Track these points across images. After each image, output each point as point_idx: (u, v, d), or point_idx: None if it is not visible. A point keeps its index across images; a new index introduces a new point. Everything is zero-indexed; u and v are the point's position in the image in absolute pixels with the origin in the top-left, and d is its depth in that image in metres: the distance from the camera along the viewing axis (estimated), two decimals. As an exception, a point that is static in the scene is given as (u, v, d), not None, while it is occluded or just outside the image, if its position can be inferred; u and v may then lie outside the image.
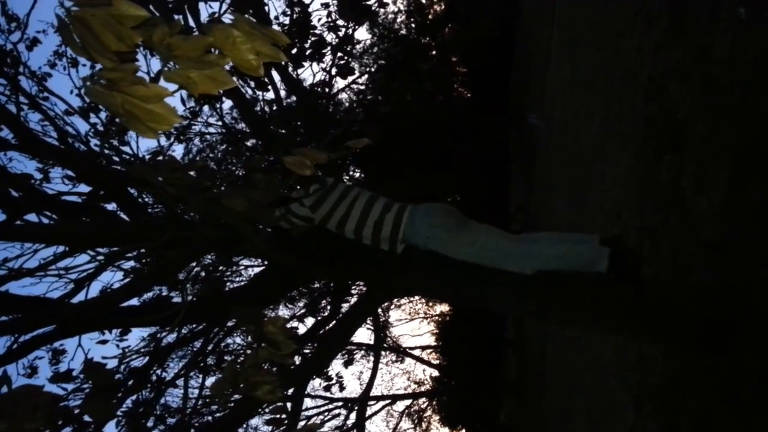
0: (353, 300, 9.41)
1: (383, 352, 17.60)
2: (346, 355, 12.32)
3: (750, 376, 2.20)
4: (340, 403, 11.80)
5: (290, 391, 4.46)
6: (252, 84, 6.32)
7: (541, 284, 2.50)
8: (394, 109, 12.94)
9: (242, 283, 8.50)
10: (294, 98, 7.84)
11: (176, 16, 4.06)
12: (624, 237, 2.68)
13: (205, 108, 9.42)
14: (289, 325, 1.95)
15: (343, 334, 4.98)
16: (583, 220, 5.75)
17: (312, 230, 2.69)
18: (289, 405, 4.57)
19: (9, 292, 3.60)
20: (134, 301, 4.28)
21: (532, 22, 14.34)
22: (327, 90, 7.91)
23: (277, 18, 7.10)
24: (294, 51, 5.79)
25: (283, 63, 4.92)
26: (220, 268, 7.47)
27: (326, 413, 11.95)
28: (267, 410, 2.15)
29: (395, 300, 17.88)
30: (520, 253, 2.50)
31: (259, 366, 1.91)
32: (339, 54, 6.95)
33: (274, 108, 7.10)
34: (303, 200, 2.59)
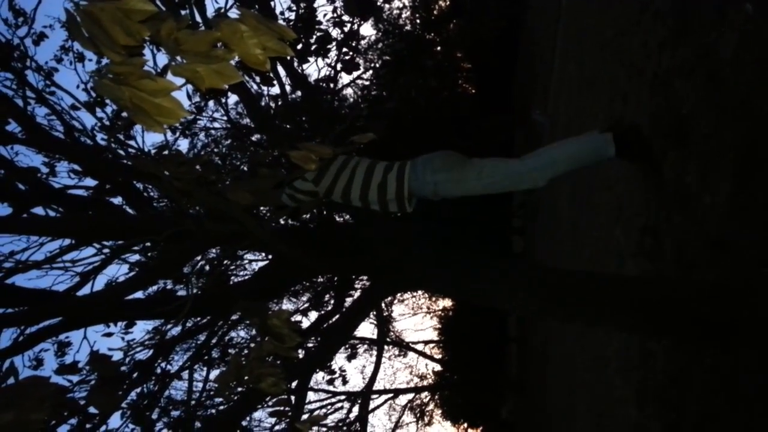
0: (357, 294, 9.41)
1: (386, 347, 17.62)
2: (350, 349, 12.35)
3: (751, 375, 2.21)
4: (343, 397, 11.82)
5: (294, 384, 4.48)
6: (257, 79, 6.33)
7: (544, 281, 2.50)
8: (399, 105, 12.93)
9: (247, 277, 8.53)
10: (299, 93, 7.84)
11: (183, 11, 4.07)
12: (624, 120, 2.66)
13: (211, 103, 9.45)
14: (293, 319, 1.97)
15: (346, 328, 5.00)
16: (586, 217, 5.74)
17: (318, 206, 2.69)
18: (292, 398, 4.59)
19: (15, 285, 3.62)
20: (139, 294, 4.30)
21: (537, 19, 14.29)
22: (332, 85, 7.91)
23: (282, 13, 7.09)
24: (299, 46, 5.79)
25: (288, 58, 4.93)
26: (225, 261, 7.49)
27: (329, 406, 11.97)
28: (271, 403, 2.16)
29: (398, 295, 17.90)
30: (529, 169, 2.49)
31: (263, 359, 1.93)
32: (344, 49, 6.95)
33: (279, 103, 7.11)
34: (305, 175, 2.59)
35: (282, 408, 2.15)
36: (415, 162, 2.62)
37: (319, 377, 10.67)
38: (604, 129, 2.55)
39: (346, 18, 6.98)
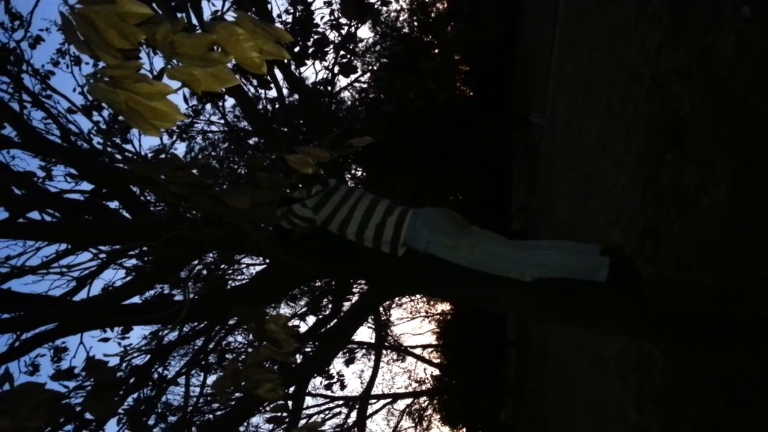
0: (354, 299, 9.41)
1: (384, 351, 17.60)
2: (347, 354, 12.32)
3: (750, 377, 2.20)
4: (341, 402, 11.81)
5: (291, 389, 4.46)
6: (254, 82, 6.32)
7: (542, 286, 2.50)
8: (397, 108, 12.94)
9: (244, 282, 8.51)
10: (296, 96, 7.84)
11: (179, 14, 4.06)
12: (624, 248, 2.68)
13: (208, 106, 9.44)
14: (290, 324, 1.95)
15: (344, 332, 4.98)
16: (585, 220, 5.74)
17: (313, 231, 2.70)
18: (290, 403, 4.57)
19: (11, 290, 3.60)
20: (136, 299, 4.29)
21: (535, 22, 14.33)
22: (329, 88, 7.91)
23: (279, 16, 7.09)
24: (296, 49, 5.78)
25: (285, 61, 4.92)
26: (222, 266, 7.48)
27: (327, 412, 11.96)
28: (268, 408, 2.15)
29: (396, 299, 17.89)
30: (520, 261, 2.51)
31: (260, 364, 1.91)
32: (341, 52, 6.94)
33: (277, 106, 7.11)
34: (305, 201, 2.60)
35: (279, 414, 2.14)
36: (416, 214, 2.64)
37: (316, 382, 10.65)
38: (602, 250, 2.56)
39: (343, 21, 6.98)
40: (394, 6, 16.72)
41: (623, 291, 2.48)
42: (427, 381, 21.39)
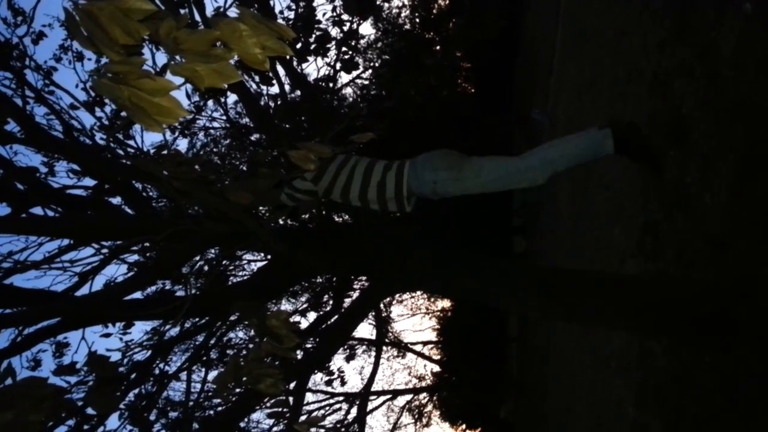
0: (355, 295, 9.41)
1: (384, 347, 17.62)
2: (348, 350, 12.34)
3: (751, 375, 2.20)
4: (341, 398, 11.82)
5: (292, 385, 4.47)
6: (257, 78, 6.32)
7: (545, 281, 2.50)
8: (398, 104, 12.92)
9: (245, 277, 8.53)
10: (298, 93, 7.84)
11: (182, 10, 4.06)
12: (622, 117, 2.66)
13: (210, 102, 9.44)
14: (291, 320, 1.96)
15: (344, 328, 4.99)
16: (587, 216, 5.74)
17: (317, 206, 2.69)
18: (290, 399, 4.58)
19: (14, 285, 3.61)
20: (138, 295, 4.29)
21: (537, 19, 14.30)
22: (331, 85, 7.91)
23: (282, 12, 7.09)
24: (299, 45, 5.78)
25: (288, 57, 4.92)
26: (224, 262, 7.49)
27: (327, 407, 11.97)
28: (269, 404, 2.15)
29: (397, 295, 17.90)
30: (528, 167, 2.49)
31: (261, 360, 1.92)
32: (343, 48, 6.94)
33: (279, 102, 7.11)
34: (304, 174, 2.58)
35: (280, 409, 2.14)
36: (414, 161, 2.61)
37: (317, 378, 10.67)
38: (602, 126, 2.55)
39: (345, 17, 6.97)
40: (395, 2, 16.71)
41: (636, 156, 2.47)
42: (427, 377, 21.41)
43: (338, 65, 7.12)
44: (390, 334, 18.74)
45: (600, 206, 5.04)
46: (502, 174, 2.51)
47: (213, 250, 6.37)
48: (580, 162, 2.53)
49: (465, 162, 2.54)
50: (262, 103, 7.07)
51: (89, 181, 5.43)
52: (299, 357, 4.68)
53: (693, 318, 2.25)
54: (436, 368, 21.38)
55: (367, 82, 14.88)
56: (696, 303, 2.26)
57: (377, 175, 2.61)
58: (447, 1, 18.48)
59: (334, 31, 6.90)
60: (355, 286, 10.25)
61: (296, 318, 9.24)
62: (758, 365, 2.16)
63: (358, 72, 12.78)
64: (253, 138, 9.61)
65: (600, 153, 2.50)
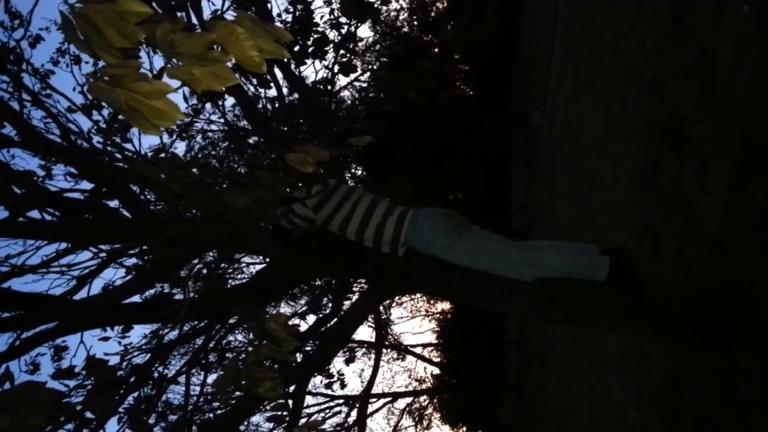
0: (355, 298, 9.41)
1: (384, 350, 17.60)
2: (348, 353, 12.32)
3: (750, 376, 2.20)
4: (341, 401, 11.81)
5: (291, 388, 4.47)
6: (254, 81, 6.32)
7: (543, 284, 2.50)
8: (397, 107, 12.93)
9: (244, 281, 8.51)
10: (296, 96, 7.85)
11: (179, 13, 4.06)
12: (624, 249, 2.69)
13: (208, 105, 9.43)
14: (290, 323, 1.96)
15: (344, 331, 4.99)
16: (585, 219, 5.74)
17: (313, 230, 2.70)
18: (290, 402, 4.58)
19: (11, 289, 3.60)
20: (136, 298, 4.29)
21: (535, 21, 14.32)
22: (329, 87, 7.90)
23: (279, 15, 7.08)
24: (296, 48, 5.78)
25: (285, 60, 4.92)
26: (222, 265, 7.48)
27: (327, 410, 11.96)
28: (268, 407, 2.15)
29: (397, 298, 17.90)
30: (520, 261, 2.51)
31: (260, 363, 1.91)
32: (341, 51, 6.94)
33: (276, 105, 7.11)
34: (305, 201, 2.60)
35: (279, 412, 2.14)
36: (417, 214, 2.64)
37: (317, 381, 10.65)
38: (603, 250, 2.56)
39: (343, 20, 6.98)
40: (394, 5, 16.73)
41: (623, 290, 2.49)
42: (427, 380, 21.40)
43: (336, 68, 7.11)
44: (390, 337, 18.74)
45: (598, 209, 5.04)
46: (494, 260, 2.54)
47: (211, 254, 6.37)
48: (569, 275, 2.54)
49: (463, 233, 2.57)
50: (260, 106, 7.07)
51: (86, 185, 5.42)
52: (298, 360, 4.68)
53: (692, 319, 2.24)
54: (436, 371, 21.39)
55: (365, 85, 14.91)
56: (695, 304, 2.26)
57: (377, 217, 2.64)
58: (445, 4, 18.52)
59: (332, 34, 6.90)
60: (354, 289, 10.25)
61: (295, 321, 9.24)
62: (758, 365, 2.15)
63: (356, 75, 12.81)
64: (250, 141, 9.61)
65: (591, 276, 2.53)
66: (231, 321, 5.17)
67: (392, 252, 2.65)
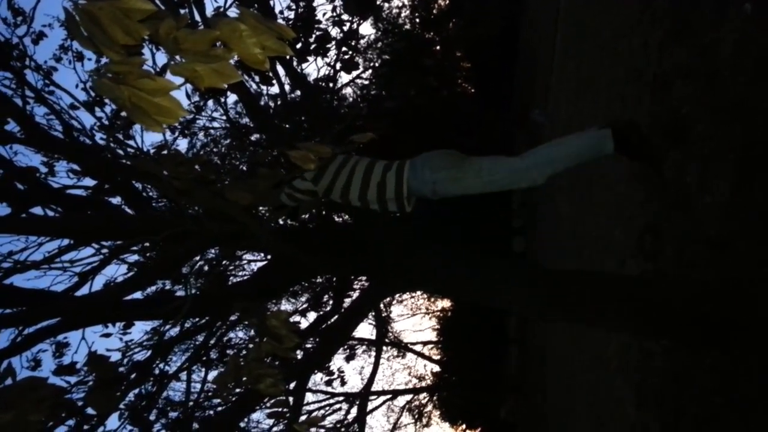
0: (355, 295, 9.41)
1: (384, 347, 17.62)
2: (348, 350, 12.34)
3: (750, 376, 2.20)
4: (341, 398, 11.81)
5: (292, 385, 4.47)
6: (257, 78, 6.32)
7: (545, 281, 2.50)
8: (398, 104, 12.93)
9: (245, 277, 8.52)
10: (298, 93, 7.84)
11: (182, 10, 4.06)
12: (622, 117, 2.67)
13: (210, 102, 9.44)
14: (291, 320, 1.96)
15: (344, 328, 4.99)
16: (586, 217, 5.74)
17: (318, 206, 2.68)
18: (290, 399, 4.58)
19: (13, 285, 3.61)
20: (138, 295, 4.29)
21: (537, 19, 14.30)
22: (331, 85, 7.90)
23: (281, 12, 7.08)
24: (299, 45, 5.78)
25: (287, 57, 4.92)
26: (224, 262, 7.49)
27: (327, 407, 11.97)
28: (269, 404, 2.16)
29: (397, 295, 17.90)
30: (527, 166, 2.49)
31: (261, 360, 1.92)
32: (343, 49, 6.93)
33: (279, 102, 7.11)
34: (304, 174, 2.58)
35: (280, 409, 2.14)
36: (414, 161, 2.61)
37: (317, 378, 10.67)
38: (602, 125, 2.55)
39: (345, 17, 6.97)
40: (395, 2, 16.71)
41: (635, 155, 2.47)
42: (427, 377, 21.41)
43: (338, 65, 7.11)
44: (390, 334, 18.75)
45: (600, 207, 5.04)
46: (502, 174, 2.51)
47: (213, 250, 6.37)
48: (580, 162, 2.53)
49: (465, 162, 2.54)
50: (262, 103, 7.07)
51: (89, 181, 5.43)
52: (299, 357, 4.68)
53: (693, 318, 2.24)
54: (436, 368, 21.39)
55: (367, 82, 14.90)
56: (696, 303, 2.25)
57: (377, 175, 2.61)
58: (447, 2, 18.49)
59: (334, 31, 6.90)
60: (355, 286, 10.25)
61: (296, 318, 9.25)
62: (758, 365, 2.16)
63: (358, 72, 12.79)
64: (253, 138, 9.61)
65: (600, 153, 2.50)
66: (232, 318, 5.17)
67: (399, 208, 2.62)
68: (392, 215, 2.72)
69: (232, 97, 11.45)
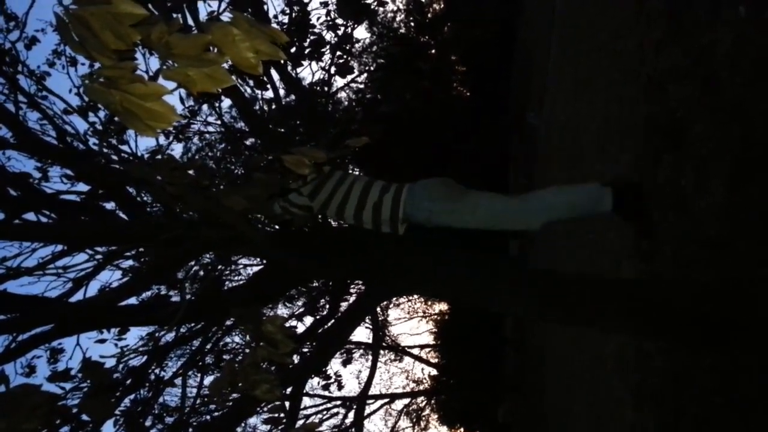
0: (352, 299, 9.41)
1: (382, 351, 17.61)
2: (345, 354, 12.33)
3: (750, 376, 2.20)
4: (338, 402, 11.81)
5: (289, 390, 4.46)
6: (251, 83, 6.31)
7: (545, 281, 2.49)
8: (394, 108, 12.94)
9: (241, 282, 8.50)
10: (293, 97, 7.84)
11: (175, 15, 4.05)
12: (625, 175, 2.68)
13: (204, 107, 9.42)
14: (287, 324, 1.95)
15: (341, 332, 4.98)
16: (583, 220, 5.74)
17: (312, 221, 2.69)
18: (287, 404, 4.57)
19: (7, 291, 3.59)
20: (133, 300, 4.28)
21: (532, 22, 14.34)
22: (326, 89, 7.90)
23: (276, 17, 7.08)
24: (293, 50, 5.78)
25: (282, 62, 4.91)
26: (219, 267, 7.46)
27: (325, 412, 11.96)
28: (265, 409, 2.14)
29: (394, 299, 17.90)
30: (525, 211, 2.48)
31: (257, 365, 1.90)
32: (338, 53, 6.94)
33: (273, 107, 7.10)
34: (301, 189, 2.58)
35: (276, 414, 2.13)
36: (413, 186, 2.62)
37: (314, 382, 10.63)
38: (604, 183, 2.55)
39: (339, 21, 6.97)
40: (390, 6, 16.74)
41: (631, 217, 2.47)
42: (424, 381, 21.41)
43: (333, 69, 7.11)
44: (387, 338, 18.74)
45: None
46: (498, 214, 2.51)
47: (208, 255, 6.35)
48: (576, 215, 2.53)
49: (463, 196, 2.54)
50: (257, 107, 7.06)
51: (83, 187, 5.41)
52: (296, 362, 4.67)
53: (691, 320, 2.24)
54: (434, 371, 21.40)
55: (362, 87, 14.91)
56: (695, 303, 2.25)
57: (374, 196, 2.61)
58: (442, 5, 18.53)
59: (329, 36, 6.90)
60: (351, 290, 10.24)
61: (293, 322, 9.23)
62: (758, 365, 2.15)
63: (353, 76, 12.80)
64: (247, 142, 9.60)
65: (597, 210, 2.51)
66: (228, 323, 5.16)
67: (393, 230, 2.61)
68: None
69: (226, 102, 11.45)
